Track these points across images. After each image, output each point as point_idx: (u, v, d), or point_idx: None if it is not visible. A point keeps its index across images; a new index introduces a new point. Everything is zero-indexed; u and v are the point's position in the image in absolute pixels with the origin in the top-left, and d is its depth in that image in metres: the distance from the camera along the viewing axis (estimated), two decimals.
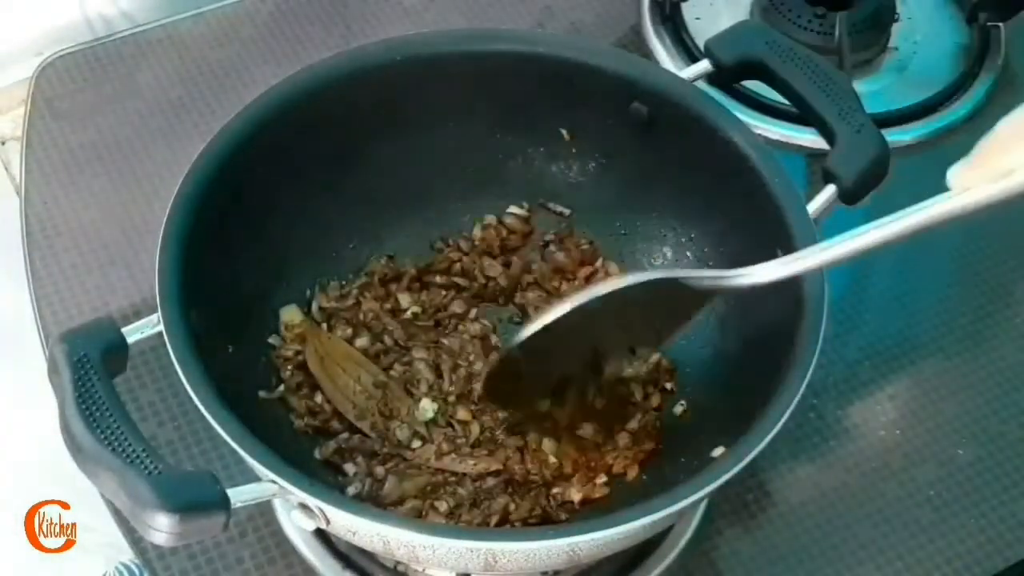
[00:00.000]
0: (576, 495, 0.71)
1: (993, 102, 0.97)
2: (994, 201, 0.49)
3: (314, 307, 0.77)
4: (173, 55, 0.97)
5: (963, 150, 0.50)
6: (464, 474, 0.72)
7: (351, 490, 0.70)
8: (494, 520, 0.70)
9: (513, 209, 0.82)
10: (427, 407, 0.74)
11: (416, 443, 0.73)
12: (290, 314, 0.76)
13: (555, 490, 0.72)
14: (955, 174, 0.49)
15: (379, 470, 0.72)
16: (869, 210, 0.73)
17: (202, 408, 0.60)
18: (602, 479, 0.72)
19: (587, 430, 0.73)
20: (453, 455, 0.72)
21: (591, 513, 0.70)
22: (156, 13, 1.01)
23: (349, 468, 0.72)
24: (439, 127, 0.79)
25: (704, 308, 0.68)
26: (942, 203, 0.51)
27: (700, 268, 0.68)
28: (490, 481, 0.72)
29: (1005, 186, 0.48)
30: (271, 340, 0.75)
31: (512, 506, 0.71)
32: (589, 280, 0.80)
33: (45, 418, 0.60)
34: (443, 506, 0.70)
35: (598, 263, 0.80)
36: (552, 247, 0.81)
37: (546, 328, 0.65)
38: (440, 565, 0.65)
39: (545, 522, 0.70)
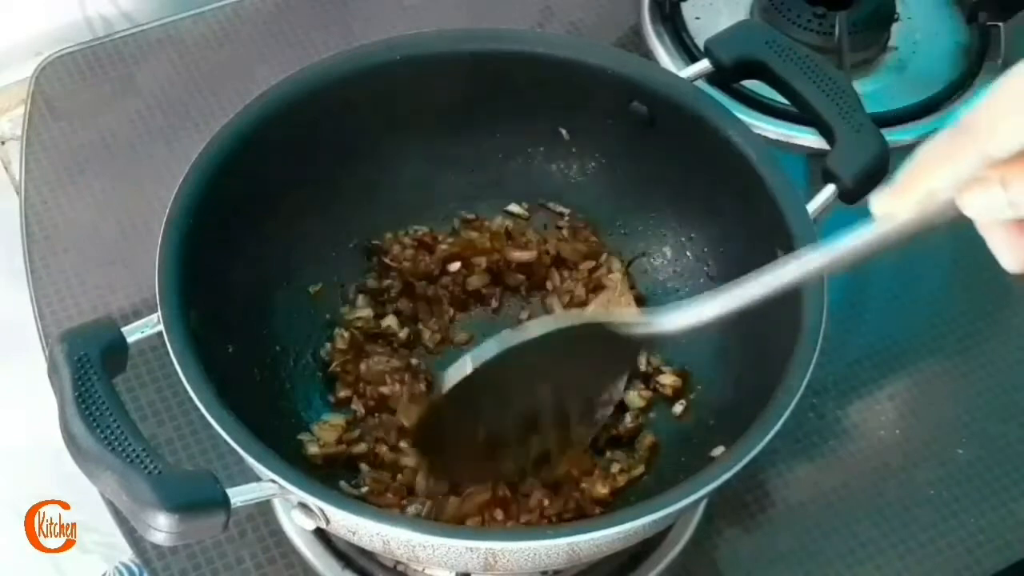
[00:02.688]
0: (602, 490, 0.71)
1: None
2: (916, 227, 0.49)
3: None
4: (173, 55, 0.97)
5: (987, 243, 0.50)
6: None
7: (411, 510, 0.70)
8: (533, 517, 0.70)
9: (513, 207, 0.82)
10: None
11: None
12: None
13: (582, 485, 0.71)
14: (878, 201, 0.49)
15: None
16: (868, 210, 0.73)
17: (202, 408, 0.60)
18: (617, 468, 0.72)
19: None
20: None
21: (623, 503, 0.70)
22: (156, 13, 1.01)
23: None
24: (439, 127, 0.79)
25: (636, 356, 0.67)
26: (865, 234, 0.51)
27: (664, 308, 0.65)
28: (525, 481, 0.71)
29: (925, 208, 0.48)
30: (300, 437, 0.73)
31: (547, 501, 0.70)
32: (592, 273, 0.80)
33: (45, 418, 0.60)
34: (500, 514, 0.70)
35: (602, 258, 0.80)
36: (564, 232, 0.81)
37: (471, 379, 0.62)
38: (440, 565, 0.65)
39: (579, 517, 0.70)
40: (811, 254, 0.55)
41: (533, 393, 0.66)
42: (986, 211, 0.47)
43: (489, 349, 0.62)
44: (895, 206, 0.49)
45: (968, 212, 0.47)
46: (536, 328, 0.63)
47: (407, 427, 0.73)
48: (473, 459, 0.68)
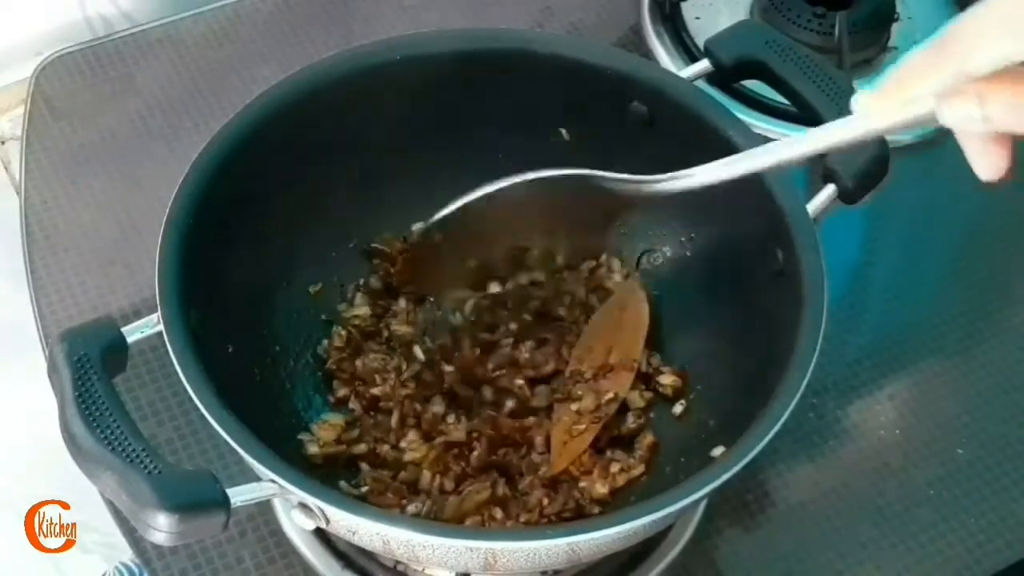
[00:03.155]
0: (602, 489, 0.71)
1: None
2: (894, 128, 0.51)
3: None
4: (173, 55, 0.97)
5: (962, 149, 0.50)
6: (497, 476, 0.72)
7: (411, 509, 0.70)
8: (532, 516, 0.70)
9: None
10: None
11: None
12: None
13: (582, 484, 0.72)
14: (862, 100, 0.51)
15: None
16: (869, 210, 0.73)
17: (202, 408, 0.60)
18: (617, 468, 0.72)
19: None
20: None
21: (623, 503, 0.70)
22: (156, 13, 1.01)
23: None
24: (439, 127, 0.79)
25: (622, 215, 0.72)
26: (845, 126, 0.53)
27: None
28: (525, 479, 0.72)
29: (904, 114, 0.50)
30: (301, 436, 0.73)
31: (546, 500, 0.71)
32: (593, 273, 0.80)
33: (45, 418, 0.60)
34: (499, 513, 0.70)
35: (602, 258, 0.80)
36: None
37: (463, 211, 0.68)
38: (440, 565, 0.65)
39: (579, 516, 0.70)
40: (797, 137, 0.57)
41: (522, 232, 0.72)
42: (963, 122, 0.48)
43: (479, 190, 0.68)
44: (876, 108, 0.51)
45: (945, 122, 0.48)
46: (525, 175, 0.68)
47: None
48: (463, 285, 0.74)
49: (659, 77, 0.76)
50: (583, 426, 0.73)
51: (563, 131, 0.80)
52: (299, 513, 0.60)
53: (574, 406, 0.74)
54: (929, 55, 0.48)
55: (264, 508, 0.75)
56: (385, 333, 0.78)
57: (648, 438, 0.74)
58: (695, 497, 0.60)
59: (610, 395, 0.75)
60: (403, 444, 0.73)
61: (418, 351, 0.77)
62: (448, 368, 0.75)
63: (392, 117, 0.77)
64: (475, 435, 0.73)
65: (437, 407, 0.74)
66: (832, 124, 0.55)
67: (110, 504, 0.70)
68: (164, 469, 0.55)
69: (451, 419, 0.74)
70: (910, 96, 0.49)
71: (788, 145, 0.58)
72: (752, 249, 0.71)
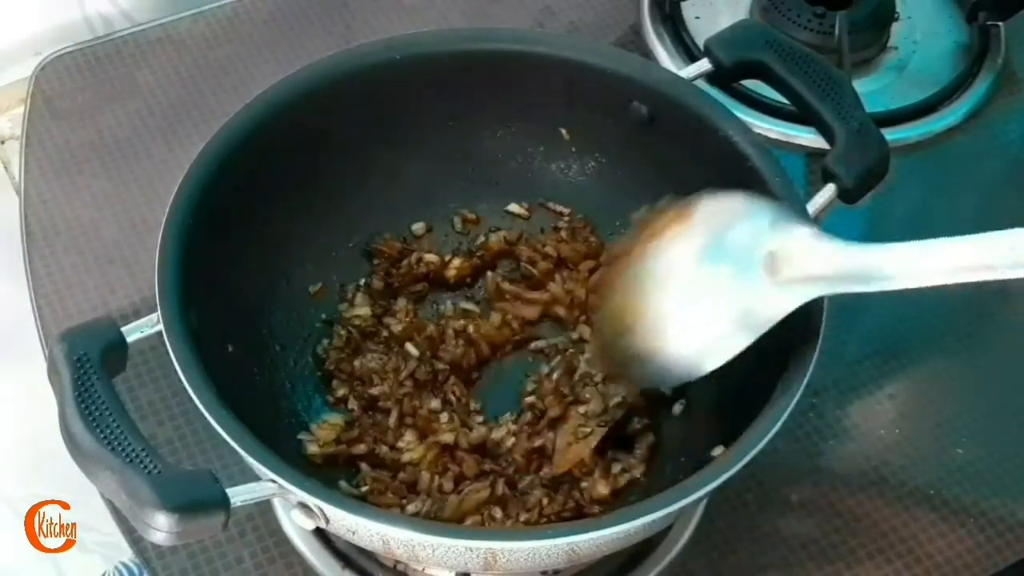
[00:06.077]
0: (603, 490, 0.71)
1: (993, 102, 0.97)
2: None
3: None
4: (173, 55, 0.97)
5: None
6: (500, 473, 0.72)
7: (411, 508, 0.70)
8: (532, 516, 0.70)
9: (513, 207, 0.82)
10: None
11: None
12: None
13: (583, 485, 0.72)
14: None
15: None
16: (868, 210, 0.73)
17: (202, 408, 0.60)
18: (618, 468, 0.72)
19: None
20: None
21: (623, 503, 0.70)
22: (156, 13, 1.01)
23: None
24: (439, 127, 0.79)
25: None
26: None
27: None
28: (525, 479, 0.72)
29: None
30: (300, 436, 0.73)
31: (546, 500, 0.71)
32: (592, 273, 0.80)
33: (45, 418, 0.61)
34: (498, 512, 0.70)
35: (602, 258, 0.80)
36: (563, 233, 0.81)
37: None
38: (440, 564, 0.65)
39: (578, 516, 0.70)
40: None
41: None
42: None
43: None
44: None
45: None
46: None
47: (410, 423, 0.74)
48: None
49: (659, 77, 0.76)
50: (589, 429, 0.73)
51: (563, 131, 0.80)
52: (299, 513, 0.60)
53: (581, 409, 0.74)
54: None
55: (264, 508, 0.75)
56: (384, 333, 0.78)
57: (648, 438, 0.74)
58: (695, 497, 0.60)
59: (618, 399, 0.74)
60: (400, 444, 0.73)
61: (410, 347, 0.77)
62: (440, 365, 0.75)
63: (392, 117, 0.77)
64: None
65: (434, 404, 0.74)
66: None
67: (110, 504, 0.70)
68: (164, 469, 0.55)
69: (444, 417, 0.74)
70: None
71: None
72: None
